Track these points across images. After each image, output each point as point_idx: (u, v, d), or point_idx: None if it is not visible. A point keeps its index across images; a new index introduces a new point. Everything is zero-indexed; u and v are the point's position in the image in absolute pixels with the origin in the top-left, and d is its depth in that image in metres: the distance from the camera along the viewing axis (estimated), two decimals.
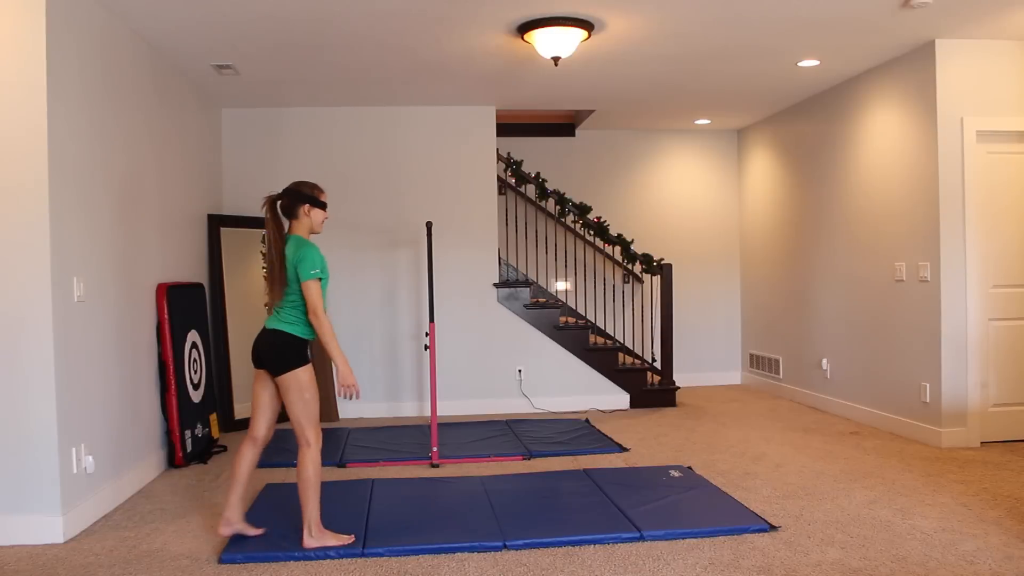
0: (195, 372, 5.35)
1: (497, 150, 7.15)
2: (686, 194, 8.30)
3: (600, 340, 7.26)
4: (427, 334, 5.25)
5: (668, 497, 4.12)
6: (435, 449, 5.03)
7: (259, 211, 6.23)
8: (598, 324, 7.85)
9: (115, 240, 4.35)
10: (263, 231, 5.92)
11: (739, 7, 4.51)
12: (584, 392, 7.01)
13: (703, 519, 3.75)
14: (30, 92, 3.59)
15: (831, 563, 3.24)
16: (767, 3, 4.45)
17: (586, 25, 4.70)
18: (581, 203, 7.16)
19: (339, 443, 5.64)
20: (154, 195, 5.00)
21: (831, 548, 3.41)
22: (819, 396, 6.77)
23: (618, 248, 7.60)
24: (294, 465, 4.92)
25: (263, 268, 6.06)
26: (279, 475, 4.82)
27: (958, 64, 5.22)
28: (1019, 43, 5.27)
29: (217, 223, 6.26)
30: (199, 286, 5.69)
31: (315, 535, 3.45)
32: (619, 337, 8.05)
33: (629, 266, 7.89)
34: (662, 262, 7.08)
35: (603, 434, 5.80)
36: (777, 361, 7.54)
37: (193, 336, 5.36)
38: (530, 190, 7.89)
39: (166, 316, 4.94)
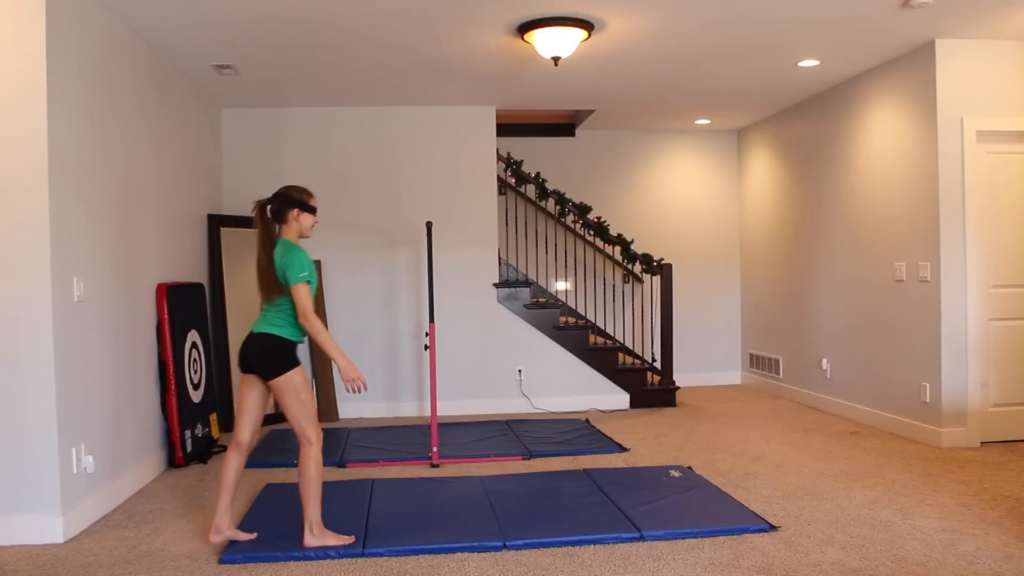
0: (195, 372, 5.35)
1: (497, 150, 7.15)
2: (686, 194, 8.30)
3: (600, 340, 7.26)
4: (427, 334, 5.25)
5: (668, 497, 4.12)
6: (435, 449, 5.03)
7: None
8: (598, 324, 7.85)
9: (115, 240, 4.35)
10: None
11: (739, 7, 4.51)
12: (584, 392, 7.01)
13: (703, 519, 3.75)
14: (30, 92, 3.59)
15: (831, 563, 3.24)
16: (767, 3, 4.45)
17: (586, 25, 4.70)
18: (581, 203, 7.16)
19: (339, 443, 5.64)
20: (154, 195, 5.00)
21: (831, 548, 3.41)
22: (819, 396, 6.77)
23: (618, 248, 7.60)
24: (294, 465, 4.93)
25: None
26: (279, 475, 4.82)
27: (958, 64, 5.22)
28: (1019, 43, 5.27)
29: (217, 223, 6.26)
30: (199, 286, 5.69)
31: (316, 534, 3.45)
32: (619, 337, 8.05)
33: (629, 266, 7.89)
34: (662, 262, 7.08)
35: (603, 434, 5.80)
36: (777, 361, 7.54)
37: (193, 336, 5.36)
38: (530, 190, 7.89)
39: (166, 316, 4.94)
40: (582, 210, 7.10)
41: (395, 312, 6.91)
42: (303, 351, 6.75)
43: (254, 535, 3.59)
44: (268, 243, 3.46)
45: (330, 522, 3.73)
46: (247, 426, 3.51)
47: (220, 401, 6.11)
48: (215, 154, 6.57)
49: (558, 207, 7.17)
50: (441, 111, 6.96)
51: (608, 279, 8.09)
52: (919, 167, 5.40)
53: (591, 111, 7.27)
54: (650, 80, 6.14)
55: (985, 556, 3.28)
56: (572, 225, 7.86)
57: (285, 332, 3.43)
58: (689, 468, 4.75)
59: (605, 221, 7.28)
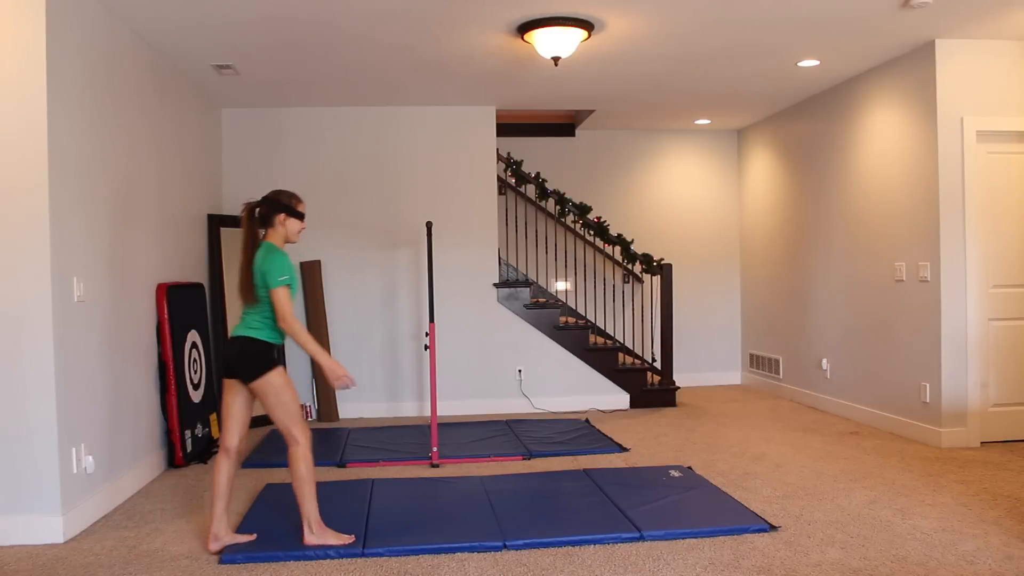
0: (195, 372, 5.35)
1: (497, 150, 7.15)
2: (686, 194, 8.30)
3: (600, 340, 7.26)
4: (427, 334, 5.25)
5: (668, 497, 4.12)
6: (435, 449, 5.03)
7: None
8: (598, 324, 7.85)
9: (115, 240, 4.35)
10: None
11: (739, 7, 4.51)
12: (584, 392, 7.01)
13: (703, 519, 3.75)
14: (30, 92, 3.58)
15: (831, 563, 3.24)
16: (767, 3, 4.45)
17: (586, 25, 4.70)
18: (581, 203, 7.16)
19: (339, 443, 5.64)
20: (154, 195, 5.00)
21: (831, 548, 3.41)
22: (819, 396, 6.77)
23: (618, 248, 7.60)
24: None
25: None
26: (279, 475, 4.82)
27: (958, 64, 5.22)
28: (1019, 43, 5.27)
29: (217, 223, 6.26)
30: (199, 286, 5.69)
31: (316, 532, 3.45)
32: (619, 337, 8.05)
33: (629, 266, 7.89)
34: (662, 262, 7.08)
35: (603, 434, 5.80)
36: (777, 361, 7.54)
37: (193, 336, 5.37)
38: (530, 190, 7.89)
39: (166, 316, 4.94)
40: (582, 210, 7.11)
41: (395, 312, 6.91)
42: (303, 351, 6.75)
43: (253, 536, 3.59)
44: (251, 246, 3.49)
45: (330, 522, 3.73)
46: (234, 431, 3.50)
47: (220, 401, 6.11)
48: (215, 154, 6.57)
49: (558, 207, 7.17)
50: (441, 111, 6.96)
51: (608, 279, 8.09)
52: (919, 167, 5.40)
53: (591, 111, 7.27)
54: (650, 80, 6.14)
55: (985, 556, 3.28)
56: (572, 225, 7.86)
57: (263, 334, 3.43)
58: (689, 468, 4.75)
59: (605, 221, 7.28)
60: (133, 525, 3.90)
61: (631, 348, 7.77)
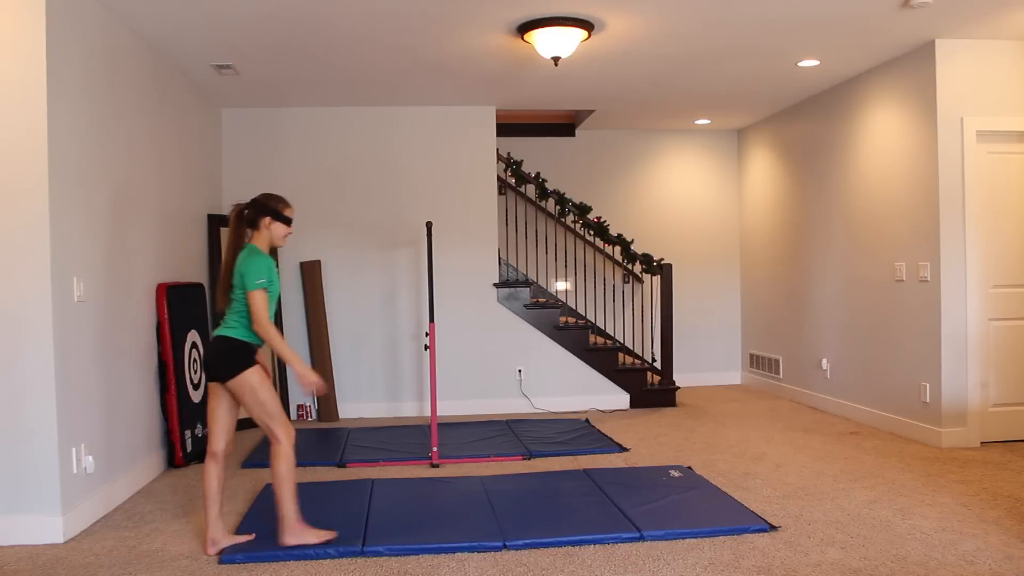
0: (195, 372, 5.35)
1: (497, 150, 7.15)
2: (686, 194, 8.30)
3: (600, 340, 7.26)
4: (427, 334, 5.25)
5: (668, 497, 4.12)
6: (435, 449, 5.03)
7: None
8: (598, 324, 7.85)
9: (115, 240, 4.35)
10: None
11: (739, 7, 4.51)
12: (584, 392, 7.01)
13: (703, 519, 3.75)
14: (30, 92, 3.59)
15: (831, 563, 3.24)
16: (767, 3, 4.45)
17: (586, 25, 4.70)
18: (581, 203, 7.16)
19: (339, 443, 5.64)
20: (154, 195, 5.00)
21: (831, 548, 3.41)
22: (819, 396, 6.77)
23: (618, 248, 7.60)
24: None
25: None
26: None
27: (958, 64, 5.22)
28: (1019, 43, 5.27)
29: (217, 223, 6.26)
30: (199, 286, 5.69)
31: (294, 532, 3.45)
32: (619, 337, 8.05)
33: (629, 266, 7.89)
34: (662, 262, 7.08)
35: (603, 434, 5.80)
36: (777, 361, 7.54)
37: (193, 336, 5.36)
38: (530, 190, 7.89)
39: (166, 316, 4.94)
40: (582, 210, 7.11)
41: (395, 312, 6.91)
42: (303, 351, 6.75)
43: (252, 536, 3.59)
44: (234, 247, 3.50)
45: (330, 522, 3.73)
46: (220, 435, 3.50)
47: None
48: (215, 154, 6.57)
49: (558, 207, 7.17)
50: (441, 111, 6.96)
51: (608, 279, 8.09)
52: (919, 167, 5.40)
53: (591, 111, 7.27)
54: (650, 80, 6.14)
55: (985, 556, 3.28)
56: (572, 225, 7.86)
57: (238, 333, 3.43)
58: (689, 468, 4.75)
59: (605, 221, 7.28)
60: (133, 525, 3.90)
61: (631, 348, 7.77)
